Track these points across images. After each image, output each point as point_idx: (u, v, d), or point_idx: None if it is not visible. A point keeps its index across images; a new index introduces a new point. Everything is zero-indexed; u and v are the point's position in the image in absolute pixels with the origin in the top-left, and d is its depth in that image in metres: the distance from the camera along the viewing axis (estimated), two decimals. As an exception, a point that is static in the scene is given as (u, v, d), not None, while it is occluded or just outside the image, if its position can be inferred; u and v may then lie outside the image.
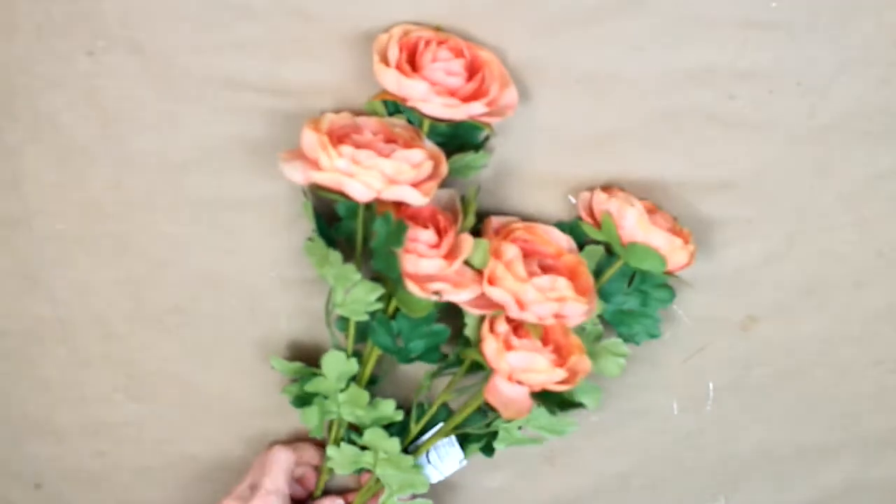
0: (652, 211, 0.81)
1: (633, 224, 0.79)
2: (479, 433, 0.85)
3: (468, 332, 0.81)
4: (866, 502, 0.95)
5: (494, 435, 0.85)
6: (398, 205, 0.76)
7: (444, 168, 0.76)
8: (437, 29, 0.77)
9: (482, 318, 0.79)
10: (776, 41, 0.80)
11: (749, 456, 0.93)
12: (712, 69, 0.80)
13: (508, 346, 0.77)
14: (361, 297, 0.79)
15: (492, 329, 0.78)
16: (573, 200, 0.84)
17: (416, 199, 0.74)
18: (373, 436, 0.83)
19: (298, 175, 0.74)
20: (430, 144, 0.77)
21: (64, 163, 0.82)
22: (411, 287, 0.76)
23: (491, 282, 0.77)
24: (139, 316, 0.87)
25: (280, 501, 0.83)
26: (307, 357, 0.86)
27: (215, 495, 0.87)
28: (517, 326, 0.79)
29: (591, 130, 0.82)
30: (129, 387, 0.89)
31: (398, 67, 0.75)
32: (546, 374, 0.77)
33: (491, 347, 0.78)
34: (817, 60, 0.81)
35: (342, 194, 0.74)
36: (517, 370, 0.77)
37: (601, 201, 0.80)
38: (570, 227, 0.82)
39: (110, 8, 0.78)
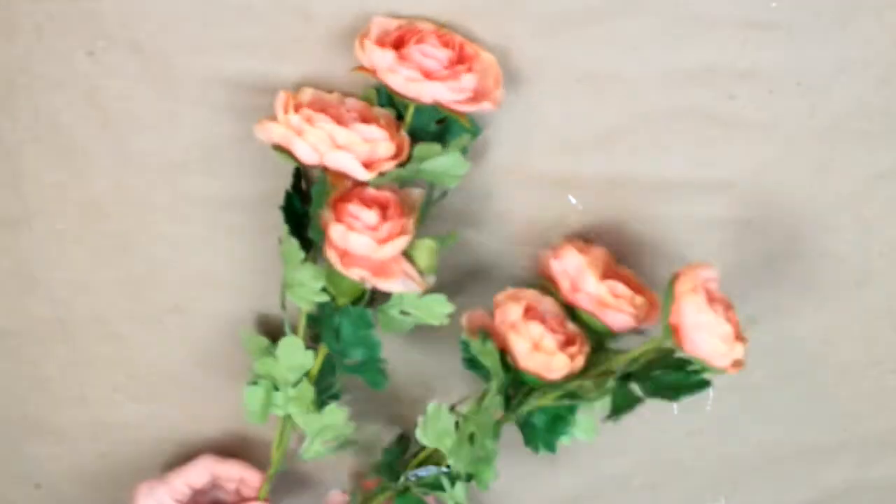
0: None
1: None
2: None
3: None
4: (866, 502, 0.95)
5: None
6: (356, 184, 0.75)
7: (405, 155, 0.75)
8: (441, 26, 0.77)
9: None
10: (776, 41, 0.79)
11: (749, 456, 0.93)
12: (712, 69, 0.80)
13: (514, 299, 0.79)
14: (306, 282, 0.78)
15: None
16: (573, 201, 0.84)
17: (358, 171, 0.73)
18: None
19: (263, 134, 0.75)
20: (403, 135, 0.77)
21: (64, 163, 0.82)
22: (331, 256, 0.75)
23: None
24: (139, 316, 0.87)
25: (167, 494, 0.84)
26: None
27: (215, 495, 0.88)
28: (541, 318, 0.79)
29: (591, 130, 0.82)
30: (129, 387, 0.89)
31: (377, 42, 0.74)
32: (521, 330, 0.78)
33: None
34: (817, 60, 0.80)
35: (293, 156, 0.73)
36: (506, 323, 0.79)
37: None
38: None
39: (110, 8, 0.78)
